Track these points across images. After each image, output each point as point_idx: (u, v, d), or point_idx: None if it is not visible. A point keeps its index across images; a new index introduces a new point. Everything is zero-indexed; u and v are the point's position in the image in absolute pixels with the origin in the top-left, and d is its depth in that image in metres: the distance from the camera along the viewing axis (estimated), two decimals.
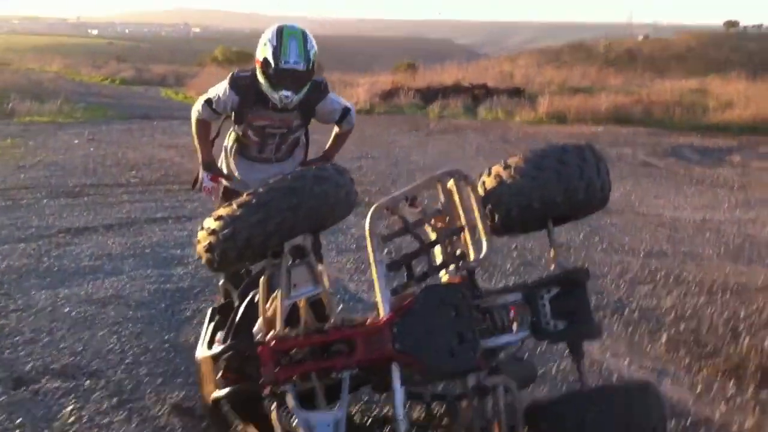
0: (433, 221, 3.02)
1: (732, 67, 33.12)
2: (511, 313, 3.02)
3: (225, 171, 4.35)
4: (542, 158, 2.98)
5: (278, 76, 3.78)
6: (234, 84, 3.97)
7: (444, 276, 2.99)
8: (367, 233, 2.82)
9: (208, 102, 4.03)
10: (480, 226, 3.01)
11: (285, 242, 2.71)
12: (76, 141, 13.60)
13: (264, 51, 3.81)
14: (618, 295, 5.46)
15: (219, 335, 3.09)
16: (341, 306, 4.90)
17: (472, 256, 2.98)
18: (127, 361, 4.21)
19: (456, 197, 3.03)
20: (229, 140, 4.33)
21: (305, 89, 3.90)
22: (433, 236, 3.05)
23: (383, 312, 2.75)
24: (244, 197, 2.70)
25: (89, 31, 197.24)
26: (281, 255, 2.73)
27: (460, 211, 3.02)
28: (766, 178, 10.60)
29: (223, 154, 4.41)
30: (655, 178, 10.85)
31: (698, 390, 3.98)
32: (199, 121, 4.14)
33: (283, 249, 2.72)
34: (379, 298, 2.78)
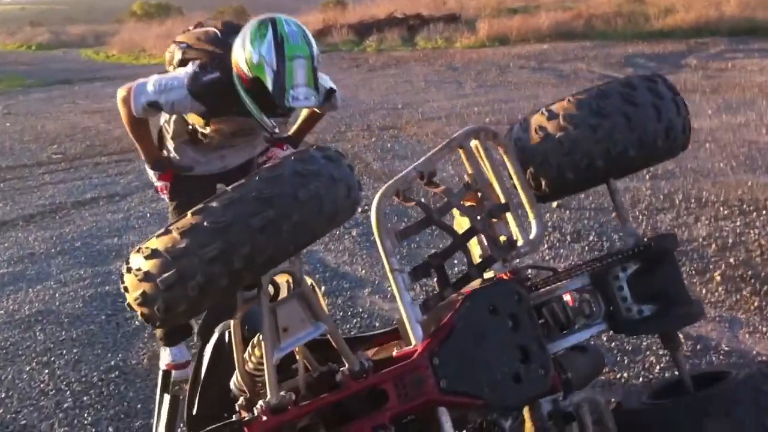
0: (461, 201, 2.19)
1: None
2: (567, 298, 2.28)
3: (169, 154, 3.29)
4: (602, 99, 2.20)
5: (277, 108, 2.78)
6: (198, 93, 2.87)
7: (486, 273, 2.18)
8: (375, 231, 1.99)
9: (152, 104, 2.91)
10: (524, 198, 2.21)
11: (262, 276, 1.84)
12: None
13: (256, 69, 2.71)
14: (640, 231, 4.70)
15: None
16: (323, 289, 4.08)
17: (520, 241, 2.17)
18: (65, 405, 3.34)
19: (487, 163, 2.21)
20: (170, 122, 3.21)
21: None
22: (464, 222, 2.23)
23: (414, 339, 1.95)
24: (188, 218, 1.75)
25: None
26: (258, 288, 1.86)
27: (495, 183, 2.20)
28: (733, 79, 9.99)
29: (158, 132, 3.32)
30: None
31: None
32: (134, 119, 3.03)
33: (260, 283, 1.85)
34: (405, 320, 1.97)
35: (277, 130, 2.96)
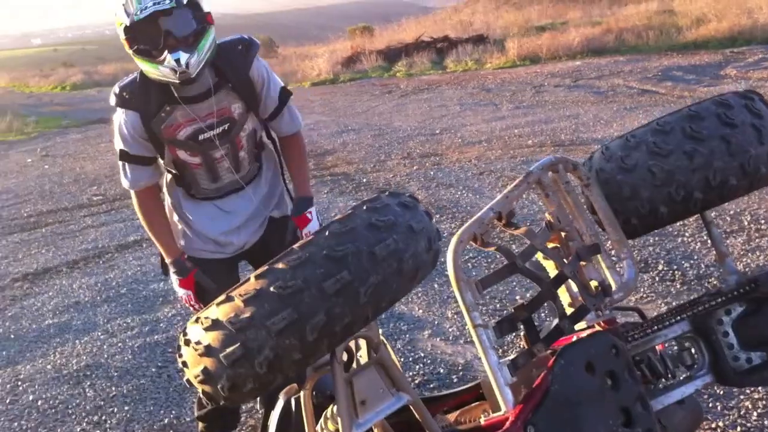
0: (545, 243, 1.99)
1: None
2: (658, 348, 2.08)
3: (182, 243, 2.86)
4: (695, 122, 1.99)
5: (144, 35, 2.45)
6: (120, 99, 2.61)
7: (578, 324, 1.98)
8: (453, 282, 1.80)
9: (123, 156, 2.66)
10: (614, 237, 2.02)
11: (337, 347, 1.64)
12: (29, 160, 12.55)
13: (118, 19, 2.48)
14: (710, 258, 4.44)
15: None
16: None
17: (614, 285, 1.97)
18: None
19: (569, 199, 2.02)
20: (167, 194, 2.87)
21: (205, 42, 2.49)
22: (549, 267, 2.04)
23: (505, 404, 1.74)
24: (251, 282, 1.54)
25: (32, 41, 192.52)
26: (331, 356, 1.66)
27: (582, 222, 2.01)
28: None
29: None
30: (666, 107, 9.89)
31: None
32: (137, 197, 2.73)
33: (333, 352, 1.65)
34: (493, 383, 1.77)
35: (185, 69, 2.44)
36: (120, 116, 2.63)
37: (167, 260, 2.78)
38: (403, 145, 9.36)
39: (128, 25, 2.44)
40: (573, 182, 2.04)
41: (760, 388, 2.97)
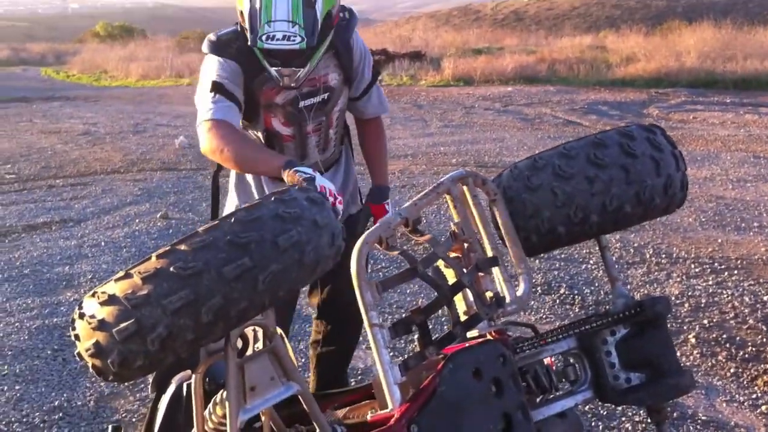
0: (448, 252, 2.04)
1: (617, 23, 34.00)
2: (547, 360, 2.16)
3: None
4: (598, 149, 2.07)
5: (262, 53, 2.34)
6: (218, 48, 2.42)
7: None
8: (355, 281, 1.83)
9: (217, 87, 2.38)
10: (513, 252, 2.09)
11: (231, 331, 1.64)
12: None
13: (240, 1, 2.32)
14: (609, 288, 4.62)
15: None
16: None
17: (508, 297, 2.04)
18: None
19: (475, 212, 2.08)
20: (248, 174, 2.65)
21: (321, 50, 2.39)
22: (450, 276, 2.09)
23: (392, 402, 1.79)
24: (152, 261, 1.53)
25: None
26: (225, 341, 1.67)
27: (484, 234, 2.07)
28: (695, 132, 10.09)
29: (228, 198, 2.76)
30: None
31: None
32: (219, 128, 2.34)
33: (228, 336, 1.65)
34: (383, 381, 1.81)
35: (289, 81, 2.39)
36: (215, 61, 2.42)
37: (281, 163, 2.25)
38: None
39: (247, 26, 2.30)
40: (481, 196, 2.10)
41: (641, 411, 3.10)
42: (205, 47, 2.46)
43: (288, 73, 2.38)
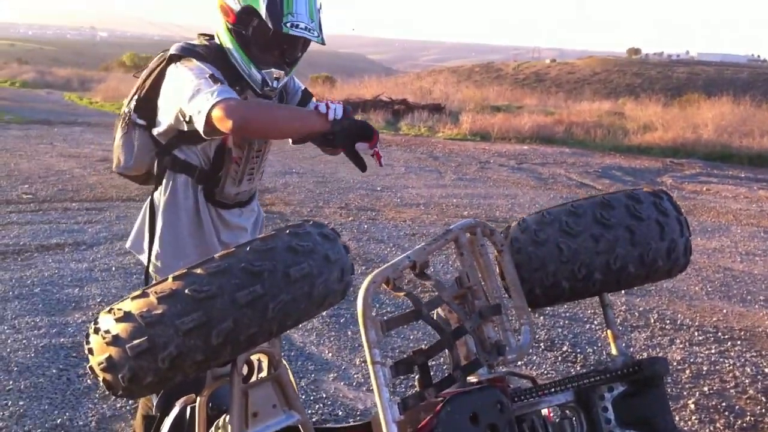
0: (452, 297, 2.11)
1: (636, 91, 34.29)
2: (544, 412, 2.21)
3: (152, 247, 2.67)
4: (605, 209, 2.14)
5: (274, 43, 2.41)
6: (196, 54, 2.44)
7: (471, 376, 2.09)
8: (360, 319, 1.88)
9: (217, 79, 2.35)
10: (516, 302, 2.15)
11: (238, 355, 1.71)
12: None
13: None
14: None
15: None
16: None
17: (508, 346, 2.09)
18: None
19: (481, 261, 2.15)
20: (180, 193, 2.63)
21: (296, 66, 2.56)
22: (453, 320, 2.15)
23: None
24: (169, 282, 1.60)
25: None
26: (232, 366, 1.73)
27: (488, 283, 2.14)
28: (708, 203, 10.16)
29: (148, 219, 2.70)
30: None
31: None
32: (233, 102, 2.27)
33: (234, 361, 1.72)
34: (381, 418, 1.85)
35: (275, 84, 2.48)
36: (199, 63, 2.42)
37: (315, 116, 2.30)
38: (343, 195, 9.50)
39: (270, 25, 2.35)
40: (488, 246, 2.17)
41: None
42: (180, 51, 2.48)
43: (277, 75, 2.46)
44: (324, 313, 4.96)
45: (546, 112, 22.25)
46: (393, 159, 13.39)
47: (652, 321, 5.17)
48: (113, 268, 5.96)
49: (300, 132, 2.39)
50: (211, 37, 2.59)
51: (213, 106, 2.27)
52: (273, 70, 2.47)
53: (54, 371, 4.00)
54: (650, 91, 34.21)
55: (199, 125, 2.32)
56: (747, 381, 4.23)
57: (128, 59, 46.62)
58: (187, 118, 2.43)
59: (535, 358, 4.41)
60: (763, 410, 3.87)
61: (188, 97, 2.36)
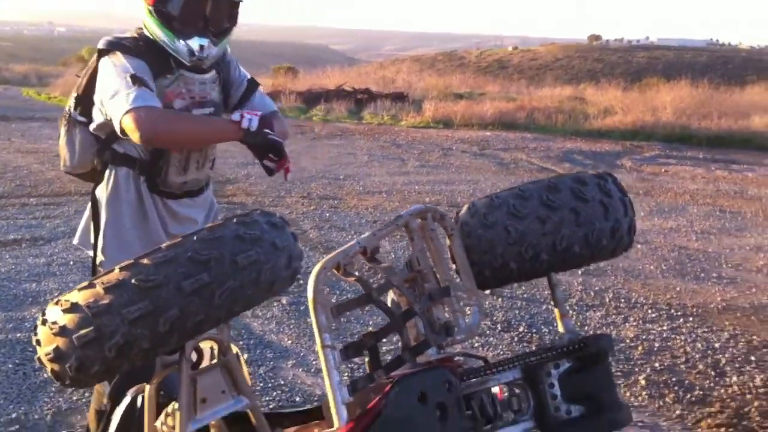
0: (402, 281, 2.13)
1: (597, 76, 34.68)
2: (495, 390, 2.24)
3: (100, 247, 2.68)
4: (552, 192, 2.18)
5: (194, 10, 2.44)
6: (122, 47, 2.43)
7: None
8: (310, 304, 1.91)
9: (137, 80, 2.35)
10: (465, 284, 2.19)
11: (187, 342, 1.71)
12: None
13: None
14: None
15: None
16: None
17: (457, 328, 2.13)
18: None
19: (431, 245, 2.18)
20: (122, 187, 2.62)
21: (226, 41, 2.59)
22: (403, 303, 2.18)
23: (338, 421, 1.85)
24: (116, 272, 1.60)
25: None
26: (180, 353, 1.74)
27: (438, 266, 2.17)
28: (665, 184, 10.31)
29: (92, 218, 2.70)
30: None
31: None
32: (151, 111, 2.32)
33: (183, 348, 1.72)
34: (331, 400, 1.88)
35: (202, 55, 2.49)
36: (123, 58, 2.42)
37: (228, 126, 2.47)
38: (305, 184, 9.48)
39: None
40: (438, 230, 2.20)
41: None
42: (107, 45, 2.49)
43: (202, 44, 2.48)
44: (284, 301, 4.98)
45: (508, 99, 22.34)
46: (356, 148, 13.40)
47: (607, 300, 5.27)
48: (71, 263, 5.91)
49: (212, 141, 2.57)
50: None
51: (124, 114, 2.31)
52: (195, 37, 2.48)
53: (10, 366, 3.96)
54: (611, 76, 34.63)
55: (117, 129, 2.38)
56: (697, 356, 4.33)
57: (87, 53, 45.66)
58: (109, 118, 2.45)
59: (491, 339, 4.47)
60: (712, 384, 3.96)
61: (108, 98, 2.40)
